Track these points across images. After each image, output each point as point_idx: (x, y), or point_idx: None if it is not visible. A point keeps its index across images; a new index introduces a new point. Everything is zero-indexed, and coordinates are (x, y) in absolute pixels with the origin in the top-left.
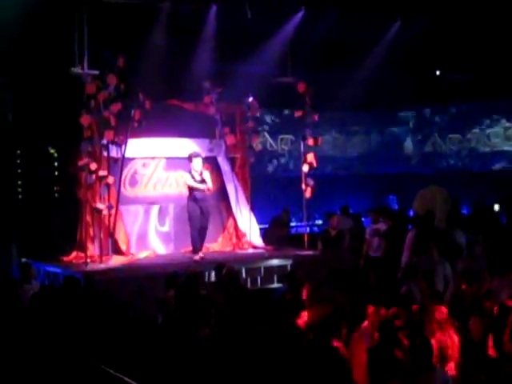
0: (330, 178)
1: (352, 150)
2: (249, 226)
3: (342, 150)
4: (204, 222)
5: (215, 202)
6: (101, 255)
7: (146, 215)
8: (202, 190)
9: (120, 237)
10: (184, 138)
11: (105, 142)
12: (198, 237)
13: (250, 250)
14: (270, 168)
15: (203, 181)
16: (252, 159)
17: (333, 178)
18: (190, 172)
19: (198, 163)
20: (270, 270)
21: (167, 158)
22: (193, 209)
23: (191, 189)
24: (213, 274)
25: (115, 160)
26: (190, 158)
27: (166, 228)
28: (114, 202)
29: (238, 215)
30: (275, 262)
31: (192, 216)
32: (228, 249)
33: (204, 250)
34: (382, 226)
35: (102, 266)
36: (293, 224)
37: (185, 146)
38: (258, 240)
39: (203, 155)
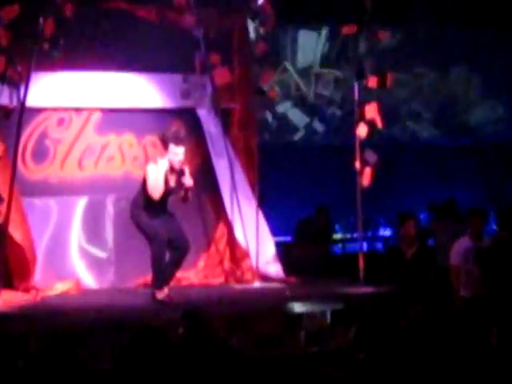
0: (406, 149)
1: (448, 96)
2: (255, 239)
3: (430, 98)
4: (176, 232)
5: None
6: None
7: (63, 216)
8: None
9: (22, 253)
10: (136, 72)
11: None
12: (166, 260)
13: (257, 284)
14: (297, 131)
15: (180, 185)
16: (263, 113)
17: (413, 149)
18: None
19: (179, 153)
20: (293, 323)
21: (104, 111)
22: (150, 215)
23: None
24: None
25: (7, 112)
26: (164, 142)
27: (101, 245)
28: (4, 191)
29: (236, 218)
30: (304, 306)
31: (150, 225)
32: (216, 280)
33: (173, 282)
34: (487, 242)
35: None
36: (337, 236)
37: (137, 87)
38: (271, 265)
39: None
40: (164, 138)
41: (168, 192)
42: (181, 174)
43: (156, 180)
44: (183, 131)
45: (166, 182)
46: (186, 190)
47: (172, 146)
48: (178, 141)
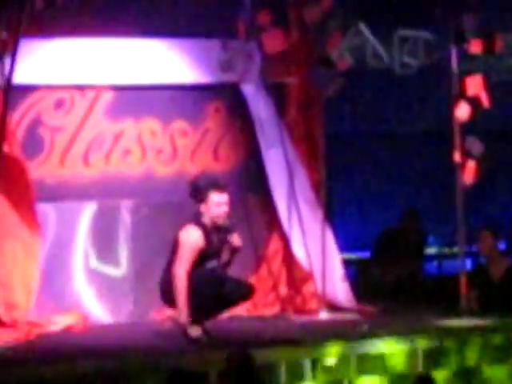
0: None
1: None
2: (320, 257)
3: None
4: (230, 278)
5: (237, 195)
6: None
7: (65, 227)
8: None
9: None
10: (160, 38)
11: None
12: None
13: (324, 315)
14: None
15: (224, 242)
16: (329, 91)
17: None
18: (197, 219)
19: (222, 203)
20: (371, 365)
21: (117, 89)
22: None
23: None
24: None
25: None
26: (199, 192)
27: (115, 266)
28: None
29: (295, 230)
30: (386, 344)
31: (199, 278)
32: (270, 310)
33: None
34: None
35: None
36: (431, 250)
37: (162, 57)
38: (341, 290)
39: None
40: (198, 185)
41: (210, 255)
42: (226, 230)
43: (194, 234)
44: (222, 178)
45: (207, 233)
46: (234, 251)
47: (212, 195)
48: (218, 187)
